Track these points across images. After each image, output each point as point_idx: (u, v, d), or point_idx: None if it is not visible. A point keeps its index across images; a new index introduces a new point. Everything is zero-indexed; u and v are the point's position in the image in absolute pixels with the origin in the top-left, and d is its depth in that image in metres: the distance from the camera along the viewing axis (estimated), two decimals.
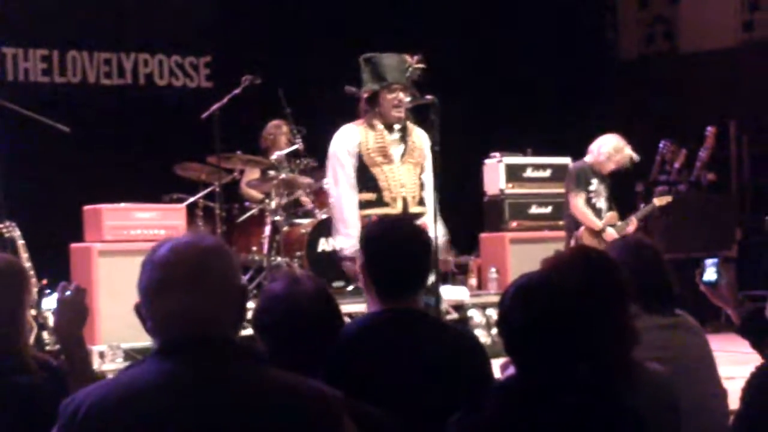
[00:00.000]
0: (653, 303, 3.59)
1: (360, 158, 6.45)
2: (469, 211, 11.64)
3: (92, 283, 7.69)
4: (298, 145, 9.38)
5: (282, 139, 9.66)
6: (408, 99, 6.46)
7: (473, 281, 10.10)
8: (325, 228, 9.10)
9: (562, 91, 12.41)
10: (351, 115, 9.89)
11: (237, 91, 8.92)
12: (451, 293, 9.67)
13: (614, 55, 13.62)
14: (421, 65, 6.59)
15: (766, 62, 12.16)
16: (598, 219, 8.71)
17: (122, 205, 8.36)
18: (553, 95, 12.31)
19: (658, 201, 9.26)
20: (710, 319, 9.58)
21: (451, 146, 11.80)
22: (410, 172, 6.50)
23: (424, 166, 6.60)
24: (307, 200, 9.61)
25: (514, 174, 10.21)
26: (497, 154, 10.42)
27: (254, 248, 9.22)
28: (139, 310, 2.33)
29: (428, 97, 6.39)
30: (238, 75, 9.16)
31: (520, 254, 9.58)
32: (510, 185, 10.15)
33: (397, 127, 6.52)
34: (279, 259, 8.95)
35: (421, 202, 6.55)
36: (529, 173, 10.24)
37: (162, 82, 10.77)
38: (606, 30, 13.30)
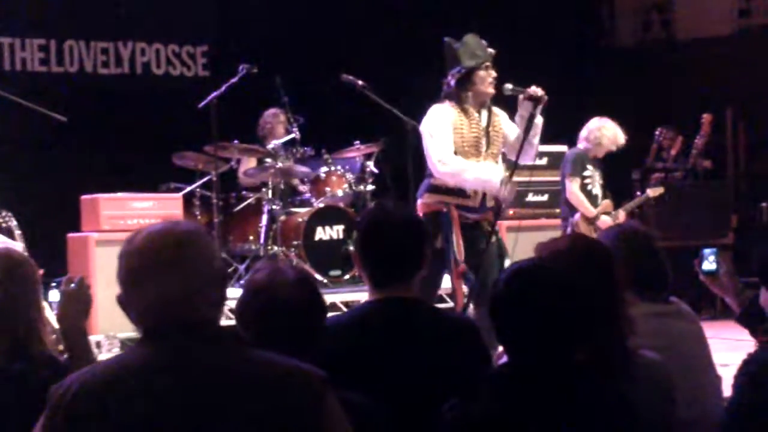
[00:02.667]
0: (648, 290, 3.59)
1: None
2: None
3: (89, 272, 7.68)
4: (294, 134, 9.39)
5: (279, 128, 9.66)
6: (510, 86, 6.37)
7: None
8: (322, 217, 9.12)
9: (559, 78, 12.40)
10: (348, 104, 9.94)
11: (234, 80, 8.92)
12: (446, 281, 9.66)
13: (611, 42, 13.61)
14: (491, 51, 6.56)
15: (762, 50, 12.17)
16: (592, 205, 8.75)
17: (119, 194, 8.36)
18: (549, 83, 12.29)
19: (651, 192, 9.30)
20: (705, 307, 9.62)
21: None
22: (492, 164, 6.36)
23: (507, 141, 6.47)
24: (304, 189, 9.62)
25: (510, 162, 10.19)
26: None
27: (251, 237, 9.23)
28: (121, 300, 2.36)
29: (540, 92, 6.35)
30: (236, 64, 9.15)
31: (517, 242, 9.55)
32: (507, 173, 10.14)
33: (484, 113, 6.38)
34: (276, 248, 8.96)
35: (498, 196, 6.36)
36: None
37: (159, 72, 10.76)
38: (603, 17, 13.29)
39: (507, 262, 6.27)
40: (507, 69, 12.37)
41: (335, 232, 9.11)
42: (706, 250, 4.02)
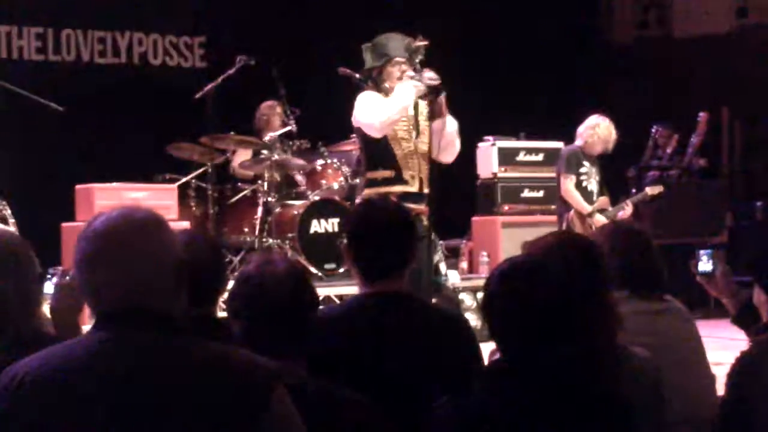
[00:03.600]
0: (642, 288, 3.59)
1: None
2: (461, 194, 11.66)
3: None
4: (291, 127, 9.37)
5: (276, 119, 9.63)
6: (411, 73, 6.38)
7: (464, 265, 10.10)
8: (317, 209, 9.11)
9: (556, 75, 12.41)
10: (345, 97, 9.91)
11: (231, 71, 8.91)
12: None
13: (608, 39, 13.62)
14: (423, 43, 6.55)
15: (759, 48, 12.18)
16: (588, 203, 8.75)
17: (114, 184, 8.36)
18: (546, 79, 12.31)
19: (650, 190, 9.29)
20: (699, 305, 9.61)
21: None
22: (420, 150, 6.46)
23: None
24: (300, 181, 9.60)
25: (506, 158, 10.21)
26: (490, 138, 10.42)
27: (246, 229, 9.21)
28: (75, 285, 2.39)
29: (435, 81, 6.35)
30: (233, 55, 9.15)
31: (512, 238, 9.58)
32: (503, 169, 10.15)
33: (422, 112, 6.48)
34: (271, 240, 8.95)
35: (431, 184, 6.51)
36: (521, 157, 10.25)
37: (156, 62, 10.74)
38: (600, 14, 13.29)
39: (442, 263, 6.54)
40: (504, 65, 12.41)
41: (330, 225, 9.10)
42: (702, 251, 4.02)
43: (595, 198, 8.84)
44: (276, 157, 9.05)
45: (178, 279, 2.34)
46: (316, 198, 9.16)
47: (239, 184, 9.44)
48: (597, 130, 8.79)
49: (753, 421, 3.19)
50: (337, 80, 9.04)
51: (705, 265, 3.95)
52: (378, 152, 6.44)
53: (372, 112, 6.37)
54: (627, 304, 3.48)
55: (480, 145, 10.41)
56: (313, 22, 11.29)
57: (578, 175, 8.81)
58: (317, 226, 9.04)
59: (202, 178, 9.11)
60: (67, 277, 3.24)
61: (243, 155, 9.56)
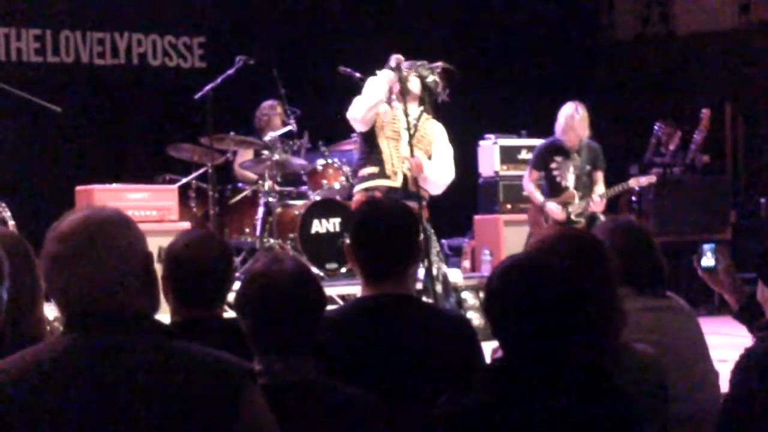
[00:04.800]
0: (644, 285, 3.57)
1: (372, 127, 6.89)
2: (463, 192, 11.63)
3: None
4: (291, 126, 9.35)
5: (276, 119, 9.63)
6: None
7: (467, 263, 10.09)
8: (318, 209, 9.09)
9: (558, 72, 12.39)
10: (345, 96, 9.89)
11: (231, 71, 8.90)
12: None
13: (610, 36, 13.59)
14: (439, 70, 7.16)
15: (762, 45, 12.15)
16: (541, 196, 8.78)
17: (114, 185, 8.35)
18: (548, 77, 12.28)
19: (633, 182, 9.05)
20: (703, 302, 9.59)
21: (446, 128, 11.83)
22: (416, 152, 6.82)
23: (430, 157, 7.00)
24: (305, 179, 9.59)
25: (508, 156, 10.20)
26: (492, 136, 10.41)
27: (247, 230, 9.20)
28: (44, 289, 2.36)
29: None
30: (232, 55, 9.13)
31: (514, 236, 9.57)
32: (504, 167, 10.14)
33: (413, 114, 6.88)
34: (272, 240, 8.93)
35: (416, 182, 6.80)
36: (523, 155, 10.22)
37: (155, 63, 10.72)
38: (602, 11, 13.26)
39: (435, 265, 6.76)
40: (505, 63, 12.40)
41: (331, 224, 9.08)
42: (705, 246, 4.00)
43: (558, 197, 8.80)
44: (276, 157, 9.03)
45: (147, 277, 2.32)
46: (317, 198, 9.15)
47: (240, 184, 9.43)
48: (561, 120, 8.71)
49: (758, 419, 3.17)
50: (338, 79, 9.05)
51: (708, 260, 3.94)
52: (368, 150, 6.89)
53: (352, 107, 6.88)
54: (628, 301, 3.44)
55: (481, 143, 10.40)
56: (313, 21, 11.27)
57: (548, 170, 8.76)
58: (318, 226, 9.03)
59: (203, 179, 9.10)
60: None
61: (243, 155, 9.55)
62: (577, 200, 8.74)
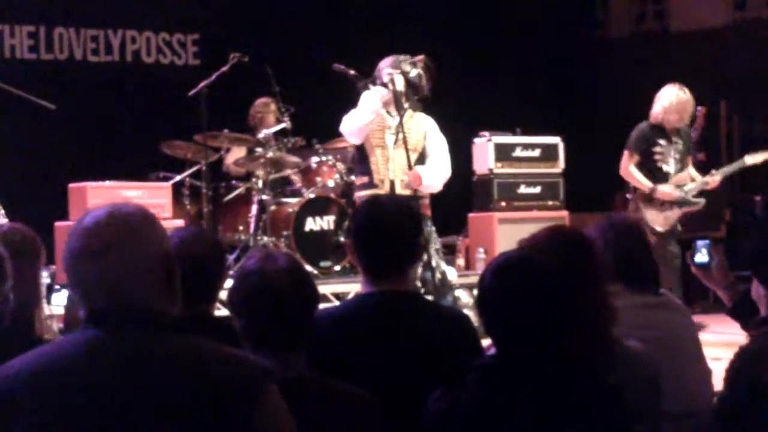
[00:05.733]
0: (637, 282, 3.59)
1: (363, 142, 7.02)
2: (457, 190, 11.60)
3: None
4: (286, 124, 9.34)
5: (270, 117, 9.61)
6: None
7: (461, 261, 10.07)
8: (312, 207, 9.08)
9: (552, 70, 12.38)
10: (340, 93, 9.87)
11: (225, 68, 8.88)
12: None
13: (604, 33, 13.59)
14: (420, 57, 7.15)
15: (756, 42, 12.14)
16: (650, 181, 8.34)
17: (107, 183, 8.33)
18: (542, 74, 12.28)
19: (750, 158, 8.76)
20: (698, 300, 9.59)
21: (440, 125, 11.80)
22: (402, 156, 6.86)
23: (425, 152, 7.06)
24: (296, 179, 9.58)
25: (503, 153, 10.17)
26: (486, 134, 10.38)
27: (241, 227, 9.19)
28: (65, 284, 2.35)
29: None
30: (226, 52, 9.11)
31: (509, 234, 9.54)
32: (499, 165, 10.11)
33: (393, 113, 6.96)
34: (266, 238, 8.92)
35: (409, 186, 6.92)
36: (518, 153, 10.20)
37: (149, 60, 10.71)
38: (596, 8, 13.26)
39: (433, 259, 6.86)
40: (500, 60, 12.38)
41: (326, 222, 9.07)
42: (699, 242, 4.01)
43: (670, 179, 8.46)
44: (270, 154, 9.02)
45: (169, 275, 2.32)
46: (311, 195, 9.13)
47: (233, 182, 9.41)
48: (661, 101, 8.43)
49: (752, 418, 3.17)
50: (332, 77, 9.02)
51: (702, 256, 3.94)
52: (360, 159, 7.06)
53: (345, 122, 6.98)
54: (621, 298, 3.46)
55: (476, 140, 10.38)
56: (307, 18, 11.26)
57: (649, 154, 8.39)
58: (312, 224, 9.02)
59: (197, 177, 9.08)
60: None
61: (237, 153, 9.54)
62: (690, 182, 8.50)
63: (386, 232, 3.28)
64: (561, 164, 10.01)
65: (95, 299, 2.28)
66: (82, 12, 10.35)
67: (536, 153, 10.16)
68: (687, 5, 12.89)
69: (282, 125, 9.33)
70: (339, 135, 9.47)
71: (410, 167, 6.88)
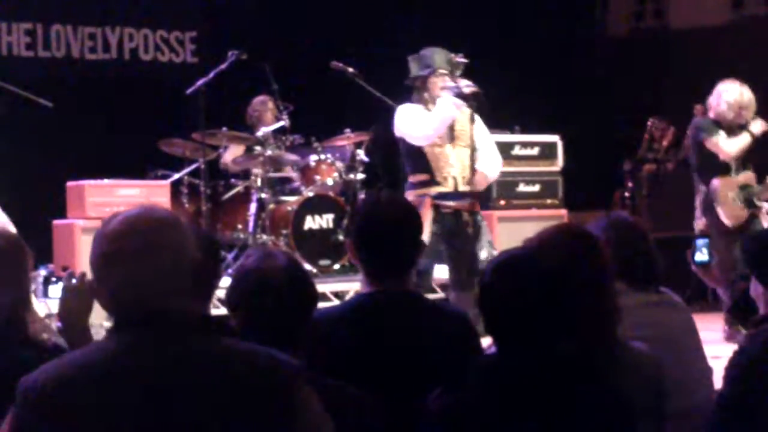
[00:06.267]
0: (638, 281, 3.58)
1: None
2: None
3: (75, 260, 7.65)
4: (284, 122, 9.33)
5: (268, 115, 9.60)
6: (449, 83, 7.01)
7: None
8: (311, 206, 9.07)
9: (551, 68, 12.38)
10: (338, 92, 9.86)
11: (223, 66, 8.88)
12: (438, 272, 9.63)
13: (603, 31, 13.59)
14: (464, 60, 7.22)
15: (755, 40, 12.15)
16: (711, 175, 8.07)
17: (105, 181, 8.32)
18: (541, 72, 12.27)
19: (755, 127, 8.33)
20: (697, 299, 9.58)
21: None
22: (459, 153, 7.03)
23: (474, 145, 7.15)
24: (295, 176, 9.57)
25: (502, 151, 10.12)
26: None
27: (239, 226, 9.18)
28: (92, 287, 2.32)
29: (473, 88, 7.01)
30: (224, 50, 9.11)
31: (508, 232, 9.52)
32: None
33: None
34: (264, 237, 8.91)
35: (470, 182, 7.08)
36: (517, 151, 10.18)
37: (147, 57, 10.70)
38: (595, 6, 13.26)
39: (484, 249, 7.01)
40: (499, 58, 12.36)
41: (325, 221, 9.07)
42: (699, 241, 4.01)
43: (732, 174, 8.14)
44: (269, 152, 9.01)
45: (196, 279, 2.31)
46: (310, 194, 9.13)
47: (232, 180, 9.40)
48: (724, 96, 8.21)
49: (752, 415, 3.17)
50: (331, 74, 9.02)
51: (701, 255, 3.95)
52: (416, 158, 7.04)
53: (417, 124, 6.96)
54: (623, 297, 3.45)
55: None
56: (306, 16, 11.25)
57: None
58: (311, 222, 9.01)
59: (195, 175, 9.07)
60: (74, 280, 3.20)
61: (235, 151, 9.53)
62: (755, 184, 8.20)
63: (387, 232, 3.29)
64: (560, 163, 9.99)
65: (125, 303, 2.26)
66: (79, 9, 10.34)
67: (535, 151, 10.14)
68: (685, 3, 12.91)
69: (280, 123, 9.32)
70: (338, 133, 9.51)
71: (473, 165, 7.05)
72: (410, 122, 6.98)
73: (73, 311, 3.19)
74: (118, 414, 2.16)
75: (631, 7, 13.48)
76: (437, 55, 7.16)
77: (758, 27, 12.46)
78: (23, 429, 2.21)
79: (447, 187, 6.99)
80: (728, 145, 8.02)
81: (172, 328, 2.24)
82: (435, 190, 6.96)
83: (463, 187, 7.03)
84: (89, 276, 3.21)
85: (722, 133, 8.11)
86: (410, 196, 7.03)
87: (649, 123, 11.07)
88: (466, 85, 6.98)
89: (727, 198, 8.04)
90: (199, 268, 2.34)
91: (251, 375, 2.22)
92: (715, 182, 8.06)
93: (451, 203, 6.97)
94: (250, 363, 2.25)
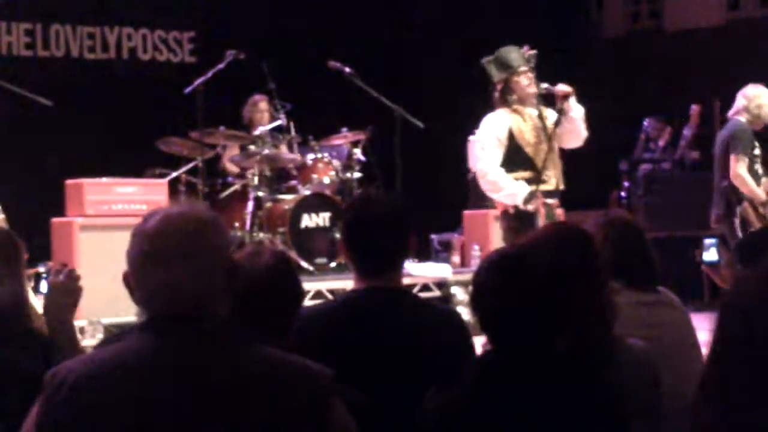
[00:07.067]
0: (635, 280, 3.59)
1: (512, 141, 6.79)
2: (452, 188, 11.63)
3: (73, 257, 7.64)
4: (282, 121, 9.35)
5: (263, 114, 9.59)
6: (545, 84, 6.91)
7: (456, 258, 10.09)
8: (308, 204, 9.09)
9: (547, 68, 12.39)
10: (335, 91, 9.89)
11: (221, 66, 8.90)
12: (433, 270, 9.66)
13: (599, 33, 13.61)
14: (533, 51, 7.08)
15: (750, 41, 12.18)
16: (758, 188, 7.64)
17: (104, 179, 8.31)
18: (537, 73, 12.28)
19: None
20: (693, 298, 9.62)
21: (436, 124, 11.80)
22: (554, 151, 6.89)
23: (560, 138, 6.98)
24: (292, 175, 9.59)
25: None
26: None
27: (237, 224, 9.19)
28: (127, 280, 2.25)
29: (559, 86, 6.85)
30: (222, 50, 9.13)
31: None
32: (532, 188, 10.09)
33: (533, 110, 6.92)
34: (261, 234, 8.93)
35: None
36: None
37: (146, 57, 10.71)
38: (591, 8, 13.28)
39: None
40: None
41: (321, 219, 9.09)
42: (708, 241, 4.02)
43: (761, 183, 7.81)
44: (266, 151, 9.03)
45: (231, 282, 2.28)
46: (307, 192, 9.15)
47: (229, 178, 9.43)
48: (758, 100, 7.84)
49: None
50: (328, 74, 9.05)
51: (710, 255, 3.95)
52: (514, 155, 6.79)
53: (487, 165, 6.77)
54: (621, 296, 3.46)
55: (471, 138, 10.38)
56: (303, 15, 11.26)
57: (752, 157, 7.70)
58: (308, 221, 9.03)
59: (193, 173, 9.09)
60: (61, 276, 3.19)
61: (233, 150, 9.54)
62: None
63: (376, 229, 3.27)
64: None
65: (160, 303, 2.22)
66: (78, 9, 10.34)
67: None
68: (681, 5, 12.93)
69: (277, 122, 9.34)
70: (335, 132, 9.54)
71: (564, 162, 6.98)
72: (483, 161, 6.82)
73: (58, 308, 3.20)
74: (152, 412, 2.13)
75: (627, 9, 13.51)
76: (513, 54, 7.06)
77: (753, 29, 12.50)
78: (52, 425, 2.17)
79: (550, 186, 6.85)
80: (746, 179, 7.65)
81: (208, 331, 2.20)
82: (542, 187, 6.80)
83: (561, 186, 6.95)
84: (77, 273, 3.24)
85: (757, 146, 7.73)
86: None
87: (645, 123, 11.10)
88: (562, 89, 6.85)
89: (756, 220, 7.72)
90: (235, 273, 2.30)
91: (283, 384, 2.19)
92: (744, 206, 7.71)
93: (549, 201, 6.82)
94: (287, 372, 2.21)
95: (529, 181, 6.77)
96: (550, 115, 6.93)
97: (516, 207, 6.71)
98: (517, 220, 6.64)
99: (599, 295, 3.03)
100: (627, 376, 2.88)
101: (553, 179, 6.87)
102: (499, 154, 6.78)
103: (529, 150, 6.80)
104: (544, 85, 6.84)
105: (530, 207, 6.61)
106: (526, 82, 6.88)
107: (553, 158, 6.87)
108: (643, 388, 3.00)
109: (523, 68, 6.92)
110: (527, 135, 6.82)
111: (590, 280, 3.00)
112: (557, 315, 2.64)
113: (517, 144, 6.78)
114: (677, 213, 9.98)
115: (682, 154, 10.72)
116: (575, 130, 6.91)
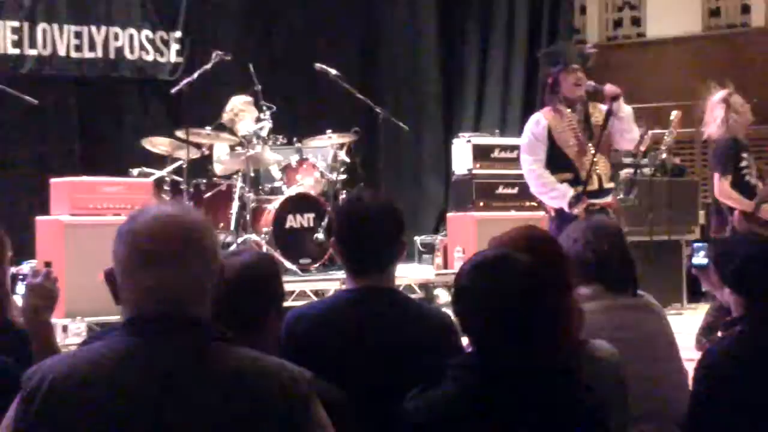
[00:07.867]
0: (615, 283, 3.61)
1: (552, 142, 6.63)
2: (436, 190, 11.68)
3: (58, 256, 7.62)
4: (267, 122, 9.37)
5: (247, 115, 9.57)
6: (591, 83, 6.66)
7: (439, 260, 10.14)
8: (292, 205, 9.12)
9: (530, 73, 12.46)
10: (320, 93, 9.93)
11: (207, 66, 8.91)
12: (416, 272, 9.72)
13: (581, 39, 13.67)
14: (594, 50, 6.92)
15: (730, 48, 12.27)
16: (748, 199, 7.41)
17: (89, 178, 8.32)
18: (521, 78, 12.35)
19: None
20: (672, 302, 9.69)
21: (420, 126, 11.84)
22: (603, 151, 6.72)
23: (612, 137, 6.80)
24: (276, 176, 9.62)
25: (481, 154, 10.24)
26: (465, 134, 10.46)
27: (221, 224, 9.20)
28: (110, 278, 2.22)
29: (608, 87, 6.62)
30: (209, 50, 9.15)
31: (487, 234, 9.52)
32: (477, 165, 10.18)
33: (579, 108, 6.71)
34: (246, 235, 8.95)
35: (613, 178, 6.89)
36: (496, 154, 10.27)
37: (132, 56, 10.70)
38: (572, 14, 13.35)
39: None
40: (480, 64, 12.44)
41: (306, 220, 9.11)
42: (697, 245, 4.04)
43: (757, 192, 7.52)
44: (251, 152, 9.06)
45: (218, 284, 2.26)
46: (292, 193, 9.17)
47: (215, 178, 9.44)
48: (732, 108, 7.52)
49: (722, 416, 3.22)
50: (313, 76, 9.08)
51: (700, 258, 3.97)
52: (555, 157, 6.66)
53: (529, 168, 6.67)
54: (600, 299, 3.51)
55: (455, 141, 10.45)
56: (290, 17, 11.29)
57: (738, 170, 7.46)
58: (293, 221, 9.06)
59: (178, 173, 9.10)
60: (39, 278, 3.19)
61: (219, 150, 9.56)
62: None
63: (367, 230, 3.28)
64: None
65: (145, 304, 2.18)
66: (65, 8, 10.31)
67: (514, 154, 10.19)
68: (662, 12, 13.01)
69: (263, 123, 9.36)
70: (319, 133, 9.58)
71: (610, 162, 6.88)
72: (527, 161, 6.70)
73: (36, 308, 3.16)
74: (132, 413, 2.11)
75: (608, 16, 13.59)
76: (569, 49, 6.89)
77: (734, 35, 12.60)
78: (29, 424, 2.13)
79: (593, 186, 6.64)
80: (730, 194, 7.45)
81: (192, 332, 2.19)
82: (581, 188, 6.62)
83: (607, 185, 6.76)
84: (54, 273, 3.22)
85: (744, 157, 7.50)
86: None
87: None
88: (609, 89, 6.61)
89: (749, 228, 7.38)
90: (222, 275, 2.28)
91: (271, 387, 2.17)
92: (735, 217, 7.48)
93: (596, 201, 6.59)
94: (267, 374, 2.19)
95: (570, 183, 6.62)
96: (599, 113, 6.72)
97: (561, 209, 6.59)
98: (563, 221, 6.38)
99: (568, 299, 3.05)
100: (591, 377, 2.87)
101: (595, 179, 6.64)
102: (543, 156, 6.64)
103: (569, 152, 6.63)
104: (591, 83, 6.64)
105: (576, 210, 6.47)
106: (573, 81, 6.60)
107: (601, 159, 6.68)
108: (609, 389, 3.00)
109: (574, 65, 6.63)
110: (567, 137, 6.64)
111: (560, 284, 3.01)
112: (534, 316, 2.63)
113: (557, 146, 6.63)
114: (658, 218, 10.05)
115: (663, 159, 10.78)
116: (626, 128, 6.72)
